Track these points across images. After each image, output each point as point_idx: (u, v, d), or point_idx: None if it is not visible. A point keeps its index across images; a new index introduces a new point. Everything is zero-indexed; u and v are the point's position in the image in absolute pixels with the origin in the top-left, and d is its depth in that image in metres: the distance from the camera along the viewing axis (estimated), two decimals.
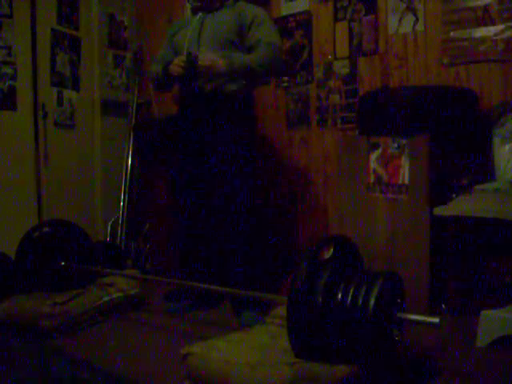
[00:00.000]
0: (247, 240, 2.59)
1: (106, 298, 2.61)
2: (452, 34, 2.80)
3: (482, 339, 2.05)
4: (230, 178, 2.57)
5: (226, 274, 2.64)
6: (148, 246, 3.73)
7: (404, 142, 2.49)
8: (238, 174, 2.58)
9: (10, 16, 3.28)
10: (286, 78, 3.44)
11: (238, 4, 2.70)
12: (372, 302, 1.51)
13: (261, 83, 2.93)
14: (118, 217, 3.75)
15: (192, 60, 2.47)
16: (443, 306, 2.45)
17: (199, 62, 2.47)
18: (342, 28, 3.19)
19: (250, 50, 2.61)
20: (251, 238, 2.61)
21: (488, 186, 2.47)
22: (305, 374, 1.56)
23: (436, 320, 1.57)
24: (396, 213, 2.54)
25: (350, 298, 1.55)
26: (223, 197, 2.60)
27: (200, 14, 2.69)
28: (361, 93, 3.07)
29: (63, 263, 2.63)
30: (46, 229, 2.74)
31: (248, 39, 2.61)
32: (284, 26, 3.41)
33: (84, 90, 3.78)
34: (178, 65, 2.53)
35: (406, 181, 2.49)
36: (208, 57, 2.49)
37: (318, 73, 3.30)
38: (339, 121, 3.22)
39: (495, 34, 2.67)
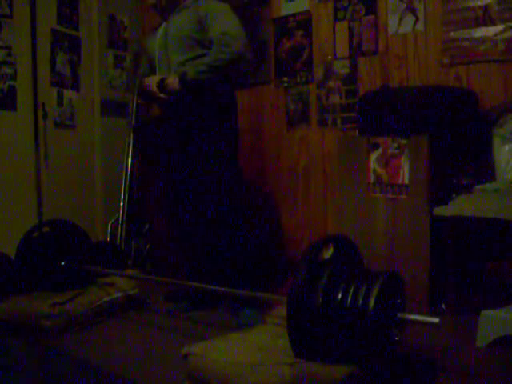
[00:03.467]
0: (231, 236, 2.55)
1: (106, 298, 2.62)
2: (452, 34, 2.80)
3: (482, 339, 2.05)
4: (208, 174, 2.55)
5: (219, 272, 2.63)
6: (148, 245, 3.73)
7: (404, 141, 2.49)
8: (215, 170, 2.54)
9: (10, 16, 3.28)
10: (286, 78, 3.44)
11: (198, 2, 2.64)
12: (372, 302, 1.51)
13: (235, 77, 2.81)
14: (118, 217, 3.75)
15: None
16: (443, 306, 2.45)
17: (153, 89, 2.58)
18: (342, 28, 3.19)
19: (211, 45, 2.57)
20: (235, 235, 2.56)
21: (488, 186, 2.47)
22: (305, 373, 1.56)
23: (436, 320, 1.57)
24: (396, 213, 2.54)
25: (350, 298, 1.55)
26: (204, 197, 2.58)
27: (164, 23, 2.69)
28: (361, 93, 3.07)
29: (63, 263, 2.63)
30: (46, 229, 2.74)
31: (208, 34, 2.55)
32: (284, 26, 3.42)
33: (84, 90, 3.78)
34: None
35: (406, 181, 2.49)
36: (154, 80, 2.57)
37: (318, 73, 3.30)
38: (339, 121, 3.22)
39: (495, 34, 2.67)
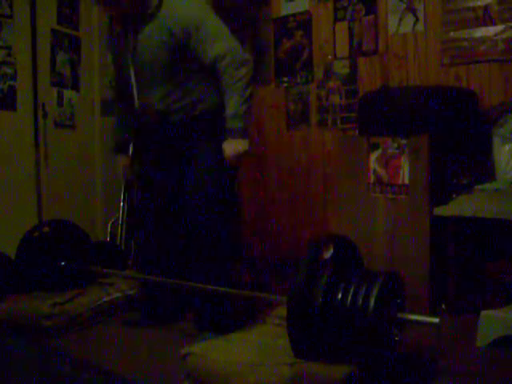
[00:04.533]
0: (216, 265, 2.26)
1: (106, 298, 2.61)
2: (452, 33, 2.80)
3: (482, 339, 2.05)
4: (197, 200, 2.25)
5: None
6: None
7: (404, 141, 2.49)
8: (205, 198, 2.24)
9: (10, 16, 3.28)
10: (286, 78, 3.44)
11: (164, 8, 2.15)
12: (372, 302, 1.51)
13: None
14: (118, 217, 3.75)
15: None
16: (443, 306, 2.45)
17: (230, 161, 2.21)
18: (342, 28, 3.19)
19: (203, 65, 2.20)
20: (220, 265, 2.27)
21: (488, 185, 2.47)
22: (305, 373, 1.56)
23: (436, 320, 1.57)
24: (396, 213, 2.54)
25: (350, 298, 1.55)
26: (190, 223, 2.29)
27: (131, 35, 2.22)
28: (361, 93, 3.07)
29: (63, 263, 2.63)
30: (45, 229, 2.74)
31: (196, 53, 2.17)
32: (284, 26, 3.41)
33: (84, 90, 3.77)
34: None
35: (406, 181, 2.49)
36: (232, 154, 2.18)
37: (318, 73, 3.30)
38: (339, 121, 3.22)
39: (495, 34, 2.67)
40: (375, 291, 1.53)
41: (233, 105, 2.16)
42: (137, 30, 2.20)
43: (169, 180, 2.41)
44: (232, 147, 2.17)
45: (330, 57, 3.25)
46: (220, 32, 2.18)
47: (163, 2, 2.16)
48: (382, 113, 2.62)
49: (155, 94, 2.27)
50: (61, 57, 3.60)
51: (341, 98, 3.21)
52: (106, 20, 2.51)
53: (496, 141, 2.55)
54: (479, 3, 2.71)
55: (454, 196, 2.45)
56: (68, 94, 3.66)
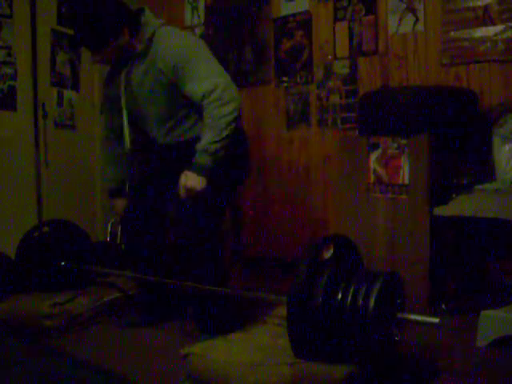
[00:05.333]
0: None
1: (106, 298, 2.61)
2: (452, 33, 2.80)
3: (482, 339, 2.05)
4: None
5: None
6: None
7: (404, 141, 2.49)
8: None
9: (10, 16, 3.28)
10: (286, 78, 3.44)
11: (153, 47, 2.17)
12: (372, 301, 1.51)
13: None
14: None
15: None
16: (443, 306, 2.45)
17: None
18: (342, 28, 3.19)
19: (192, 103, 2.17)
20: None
21: (488, 185, 2.47)
22: (305, 373, 1.56)
23: (436, 320, 1.57)
24: (396, 213, 2.54)
25: (350, 298, 1.55)
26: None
27: (123, 73, 2.27)
28: (361, 93, 3.07)
29: (63, 263, 2.63)
30: (45, 229, 2.74)
31: (186, 92, 2.14)
32: (284, 26, 3.41)
33: (84, 90, 3.78)
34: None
35: (406, 181, 2.49)
36: (183, 185, 2.09)
37: (318, 73, 3.30)
38: (339, 121, 3.22)
39: (495, 34, 2.67)
40: (375, 291, 1.53)
41: (206, 140, 2.07)
42: (128, 71, 2.24)
43: (158, 188, 2.41)
44: (186, 179, 2.07)
45: (329, 57, 3.25)
46: (209, 68, 2.12)
47: (153, 42, 2.17)
48: (382, 113, 2.62)
49: (158, 131, 2.33)
50: (61, 57, 3.60)
51: (341, 98, 3.21)
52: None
53: (496, 141, 2.55)
54: (479, 3, 2.71)
55: (453, 196, 2.46)
56: (68, 93, 3.66)
